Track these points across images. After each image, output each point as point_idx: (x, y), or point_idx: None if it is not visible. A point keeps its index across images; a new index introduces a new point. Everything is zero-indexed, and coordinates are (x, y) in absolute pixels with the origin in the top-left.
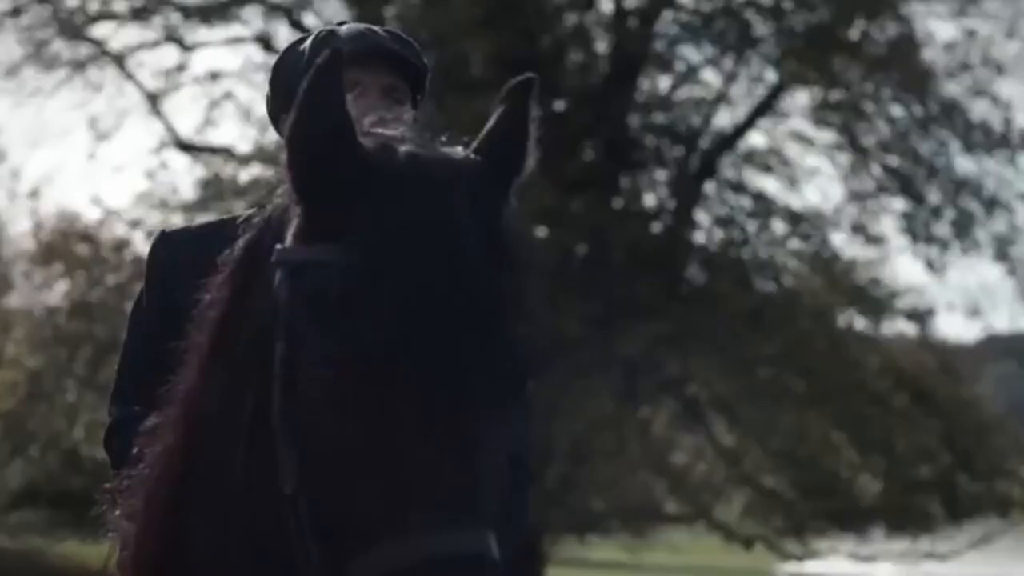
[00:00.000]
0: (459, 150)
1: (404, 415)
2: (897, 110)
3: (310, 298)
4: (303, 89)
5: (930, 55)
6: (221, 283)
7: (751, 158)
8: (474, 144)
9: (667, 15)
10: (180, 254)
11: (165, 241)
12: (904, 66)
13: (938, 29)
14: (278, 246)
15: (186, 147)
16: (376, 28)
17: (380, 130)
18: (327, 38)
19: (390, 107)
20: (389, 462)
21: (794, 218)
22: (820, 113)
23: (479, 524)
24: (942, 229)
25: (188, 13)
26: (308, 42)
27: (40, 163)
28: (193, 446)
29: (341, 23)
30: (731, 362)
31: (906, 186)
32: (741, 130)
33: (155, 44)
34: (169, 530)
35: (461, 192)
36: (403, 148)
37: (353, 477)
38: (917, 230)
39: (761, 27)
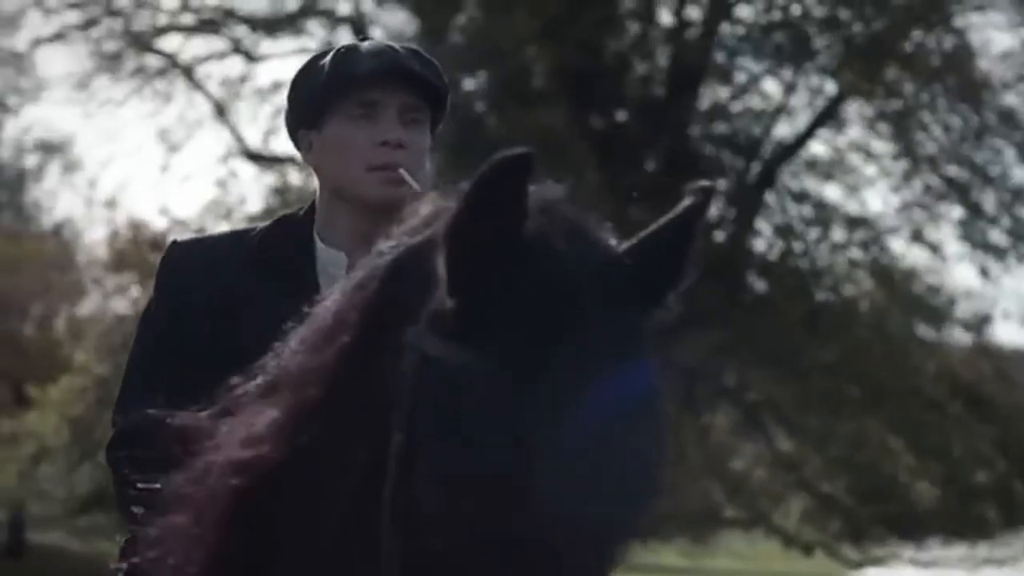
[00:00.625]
0: (616, 249)
1: (528, 547)
2: (954, 120)
3: (436, 402)
4: (476, 181)
5: (986, 65)
6: (348, 312)
7: (811, 167)
8: (635, 241)
9: (726, 27)
10: (193, 264)
11: (178, 251)
12: (959, 76)
13: (995, 39)
14: (411, 328)
15: (253, 156)
16: (397, 46)
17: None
18: (347, 54)
19: (408, 127)
20: None
21: (853, 224)
22: (877, 123)
23: None
24: (998, 237)
25: (255, 26)
26: (328, 57)
27: (113, 172)
28: (271, 482)
29: (363, 39)
30: (789, 369)
31: (962, 194)
32: (801, 140)
33: (222, 56)
34: (242, 548)
35: (611, 308)
36: (557, 247)
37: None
38: (974, 238)
39: (818, 39)
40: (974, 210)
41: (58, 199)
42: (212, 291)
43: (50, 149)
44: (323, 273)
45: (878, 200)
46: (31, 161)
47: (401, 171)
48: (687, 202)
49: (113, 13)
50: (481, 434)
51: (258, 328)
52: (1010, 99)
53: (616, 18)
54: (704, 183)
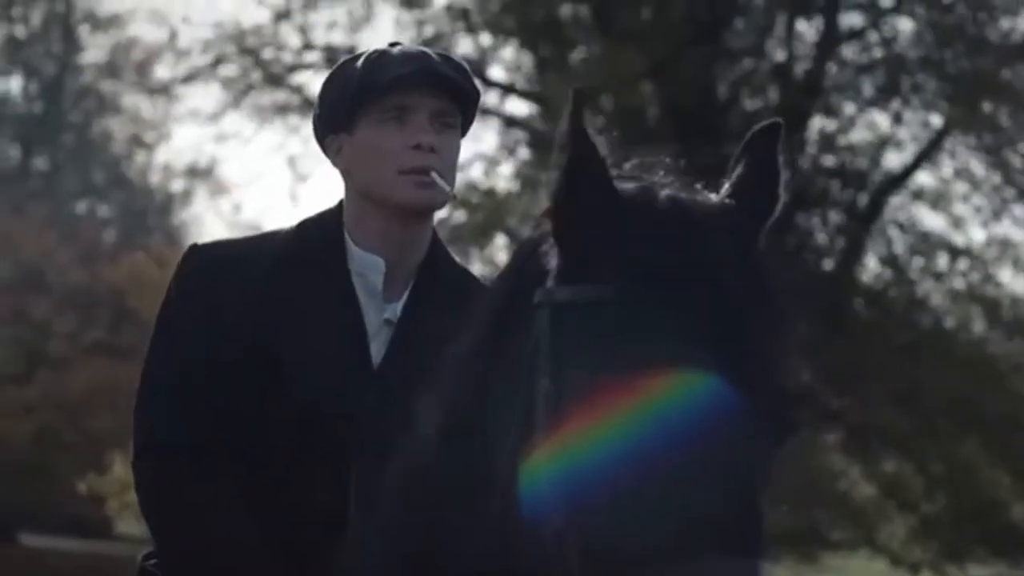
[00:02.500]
0: (714, 195)
1: (675, 449)
2: None
3: (578, 335)
4: (565, 138)
5: None
6: (474, 326)
7: (918, 196)
8: (726, 189)
9: (831, 65)
10: (220, 267)
11: (198, 255)
12: None
13: None
14: (540, 288)
15: None
16: (428, 51)
17: (639, 173)
18: (379, 58)
19: (439, 132)
20: (662, 494)
21: (955, 254)
22: (976, 154)
23: (751, 553)
24: None
25: None
26: (359, 61)
27: (255, 196)
28: (440, 487)
29: (394, 44)
30: (892, 394)
31: None
32: (908, 171)
33: None
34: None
35: (718, 233)
36: (661, 193)
37: (624, 510)
38: None
39: (918, 76)
40: None
41: (204, 223)
42: (242, 294)
43: (197, 174)
44: (357, 276)
45: (983, 229)
46: (177, 186)
47: (433, 174)
48: (757, 140)
49: (244, 52)
50: (620, 351)
51: (294, 330)
52: None
53: (724, 54)
54: (770, 121)
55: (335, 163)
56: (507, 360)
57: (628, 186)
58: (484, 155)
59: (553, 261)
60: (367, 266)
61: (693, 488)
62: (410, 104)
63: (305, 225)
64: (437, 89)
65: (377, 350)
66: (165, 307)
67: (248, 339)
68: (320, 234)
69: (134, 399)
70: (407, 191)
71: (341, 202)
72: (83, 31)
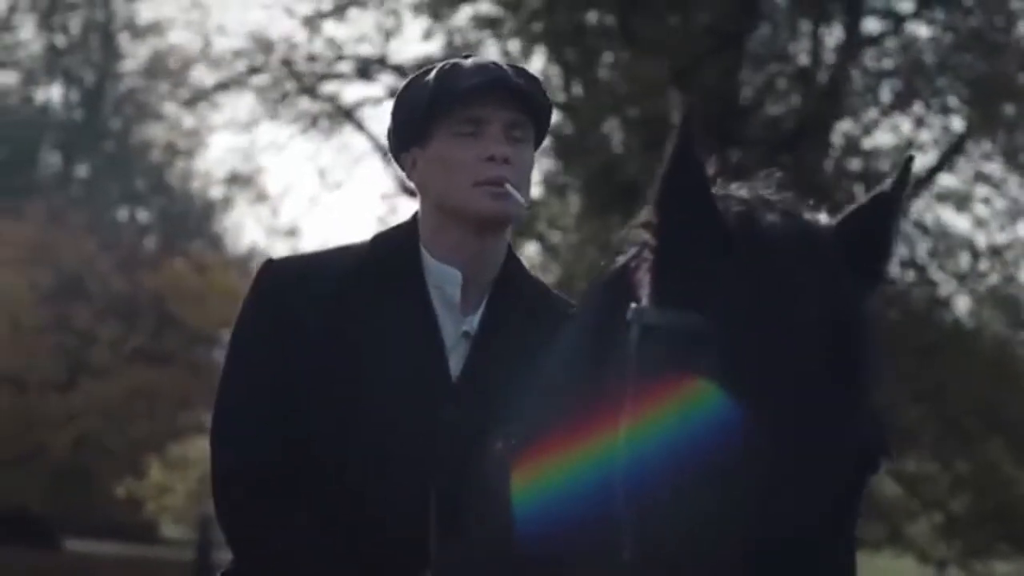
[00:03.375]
0: (820, 220)
1: (757, 499)
2: None
3: (664, 362)
4: (671, 153)
5: None
6: (577, 339)
7: (942, 198)
8: (841, 217)
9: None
10: (297, 281)
11: (277, 267)
12: None
13: None
14: (633, 305)
15: (414, 193)
16: (500, 63)
17: (743, 192)
18: (451, 70)
19: (512, 144)
20: (737, 539)
21: (977, 255)
22: (999, 156)
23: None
24: None
25: (403, 73)
26: (432, 74)
27: (294, 203)
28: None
29: (466, 56)
30: (913, 393)
31: None
32: (931, 174)
33: (378, 101)
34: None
35: (819, 266)
36: (764, 217)
37: (696, 544)
38: None
39: (939, 80)
40: None
41: (245, 229)
42: (317, 307)
43: (236, 181)
44: (435, 288)
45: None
46: (218, 192)
47: (507, 186)
48: (884, 188)
49: (277, 61)
50: (703, 401)
51: (371, 343)
52: None
53: (748, 60)
54: (908, 155)
55: (410, 176)
56: (606, 376)
57: (733, 208)
58: None
59: (647, 278)
60: (444, 278)
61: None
62: (484, 116)
63: (380, 238)
64: (510, 100)
65: (455, 363)
66: (239, 324)
67: (324, 353)
68: (395, 247)
69: (209, 421)
70: (482, 202)
71: (416, 215)
72: (123, 39)
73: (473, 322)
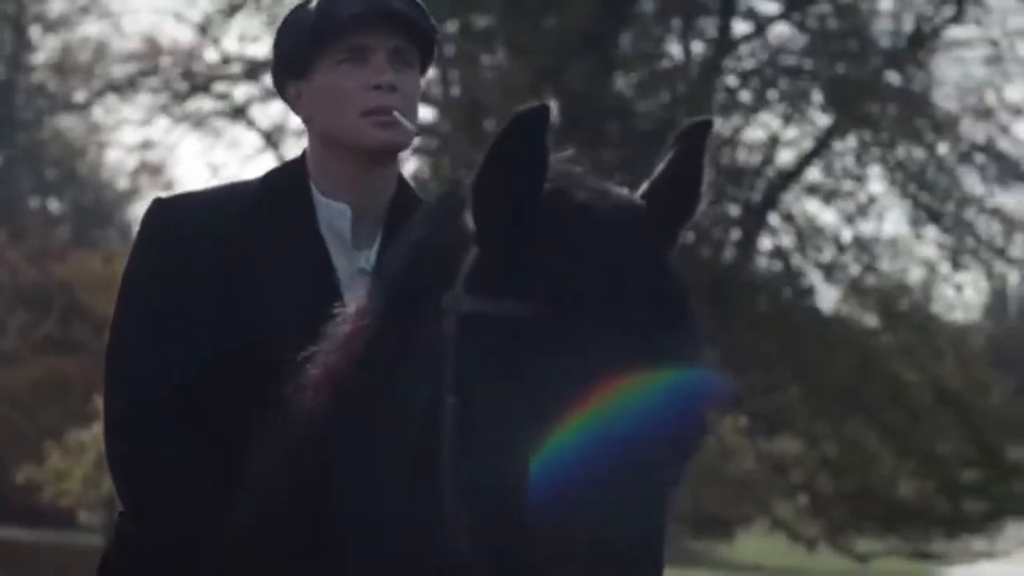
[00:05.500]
0: (631, 195)
1: (591, 477)
2: (918, 152)
3: (485, 353)
4: (498, 138)
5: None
6: (375, 304)
7: (810, 192)
8: (645, 186)
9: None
10: (187, 220)
11: (165, 207)
12: (919, 113)
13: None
14: (447, 294)
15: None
16: None
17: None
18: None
19: (398, 70)
20: (573, 524)
21: (841, 247)
22: (864, 153)
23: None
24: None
25: None
26: (313, 3)
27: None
28: (321, 484)
29: None
30: (783, 379)
31: (935, 217)
32: (799, 168)
33: (264, 98)
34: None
35: (635, 242)
36: (578, 196)
37: (532, 534)
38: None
39: (799, 83)
40: (946, 230)
41: None
42: (211, 247)
43: (145, 171)
44: (326, 226)
45: (872, 223)
46: (125, 183)
47: (395, 114)
48: (687, 137)
49: (169, 62)
50: (530, 375)
51: (264, 281)
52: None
53: (619, 60)
54: (701, 119)
55: (295, 110)
56: (410, 357)
57: (553, 189)
58: None
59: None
60: (333, 214)
61: (620, 499)
62: (367, 43)
63: (270, 176)
64: (394, 27)
65: (352, 301)
66: (130, 265)
67: (216, 290)
68: (285, 183)
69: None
70: (370, 132)
71: (305, 151)
72: (34, 31)
73: (369, 257)
